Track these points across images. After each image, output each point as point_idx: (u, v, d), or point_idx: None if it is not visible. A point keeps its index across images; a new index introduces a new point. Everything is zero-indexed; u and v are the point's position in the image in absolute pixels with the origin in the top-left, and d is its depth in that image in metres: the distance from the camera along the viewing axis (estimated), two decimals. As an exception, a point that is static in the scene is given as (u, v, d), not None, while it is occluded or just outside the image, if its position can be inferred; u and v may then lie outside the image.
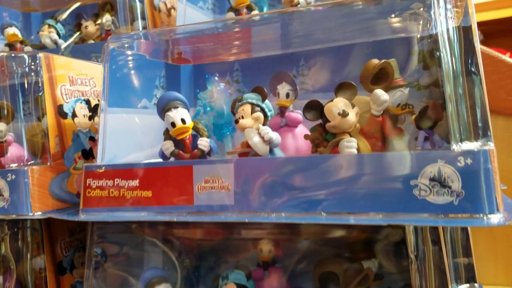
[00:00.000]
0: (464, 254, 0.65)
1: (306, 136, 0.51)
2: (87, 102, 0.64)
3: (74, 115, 0.62)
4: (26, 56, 0.59)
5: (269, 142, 0.49)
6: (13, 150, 0.62)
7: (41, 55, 0.59)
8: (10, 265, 0.60)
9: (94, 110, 0.65)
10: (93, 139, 0.64)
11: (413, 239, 0.44)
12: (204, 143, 0.53)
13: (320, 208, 0.42)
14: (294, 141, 0.57)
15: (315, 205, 0.42)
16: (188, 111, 0.53)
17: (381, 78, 0.47)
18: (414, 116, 0.50)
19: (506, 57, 0.79)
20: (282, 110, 0.58)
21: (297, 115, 0.58)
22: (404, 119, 0.52)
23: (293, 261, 0.59)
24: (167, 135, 0.54)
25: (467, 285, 0.63)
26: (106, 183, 0.50)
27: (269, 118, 0.53)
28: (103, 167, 0.51)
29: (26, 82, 0.60)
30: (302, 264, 0.59)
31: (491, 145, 0.40)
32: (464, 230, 0.66)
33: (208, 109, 0.65)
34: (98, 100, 0.65)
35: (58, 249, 0.62)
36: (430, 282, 0.44)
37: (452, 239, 0.66)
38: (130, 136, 0.60)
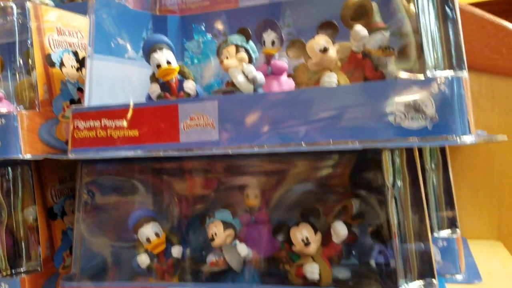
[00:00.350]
0: (447, 208, 0.67)
1: (289, 75, 0.52)
2: (75, 53, 0.65)
3: (62, 64, 0.63)
4: (14, 5, 0.60)
5: (253, 82, 0.50)
6: (3, 107, 0.63)
7: (29, 4, 0.60)
8: (2, 213, 0.61)
9: (81, 62, 0.65)
10: (81, 90, 0.64)
11: (389, 167, 0.46)
12: (190, 86, 0.54)
13: (301, 139, 0.43)
14: (280, 88, 0.58)
15: (296, 137, 0.44)
16: (174, 54, 0.54)
17: (361, 14, 0.48)
18: (393, 58, 0.51)
19: (490, 15, 0.80)
20: (268, 59, 0.59)
21: (283, 63, 0.58)
22: (385, 62, 0.53)
23: (279, 207, 0.60)
24: (153, 79, 0.55)
25: (449, 230, 0.65)
26: (94, 124, 0.51)
27: (254, 59, 0.54)
28: (90, 108, 0.52)
29: (14, 31, 0.61)
30: (288, 210, 0.60)
31: (464, 73, 0.41)
32: (448, 182, 0.67)
33: (196, 61, 0.66)
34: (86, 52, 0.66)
35: (49, 195, 0.63)
36: (406, 210, 0.46)
37: (435, 192, 0.68)
38: (117, 86, 0.61)
